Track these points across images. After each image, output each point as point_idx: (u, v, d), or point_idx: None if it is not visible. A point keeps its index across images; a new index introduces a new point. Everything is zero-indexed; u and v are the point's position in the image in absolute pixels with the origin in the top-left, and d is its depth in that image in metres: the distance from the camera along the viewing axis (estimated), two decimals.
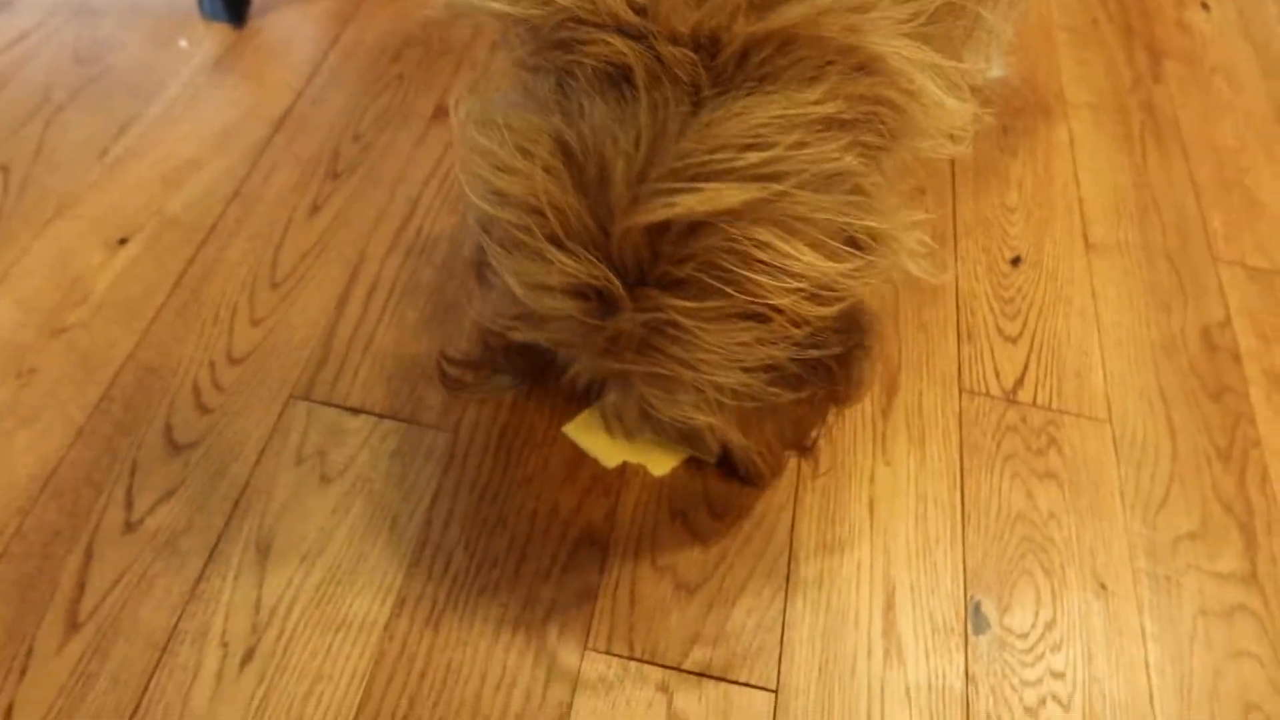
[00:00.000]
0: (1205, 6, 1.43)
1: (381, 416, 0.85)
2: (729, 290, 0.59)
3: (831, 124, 0.59)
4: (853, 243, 0.61)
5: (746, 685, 0.72)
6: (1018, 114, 1.20)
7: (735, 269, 0.58)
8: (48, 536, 0.76)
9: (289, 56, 1.17)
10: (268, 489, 0.79)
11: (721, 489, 0.82)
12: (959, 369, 0.93)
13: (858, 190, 0.62)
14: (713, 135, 0.57)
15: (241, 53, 1.17)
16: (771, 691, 0.72)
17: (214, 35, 1.19)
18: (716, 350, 0.62)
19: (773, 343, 0.63)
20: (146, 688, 0.69)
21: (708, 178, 0.57)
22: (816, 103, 0.58)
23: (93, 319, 0.89)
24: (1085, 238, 1.07)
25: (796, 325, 0.62)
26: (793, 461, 0.84)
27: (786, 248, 0.58)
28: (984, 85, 1.06)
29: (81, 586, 0.73)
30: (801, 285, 0.59)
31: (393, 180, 1.04)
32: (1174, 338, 0.98)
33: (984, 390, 0.92)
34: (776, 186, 0.57)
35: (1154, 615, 0.79)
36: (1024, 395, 0.92)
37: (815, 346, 0.65)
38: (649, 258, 0.60)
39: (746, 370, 0.64)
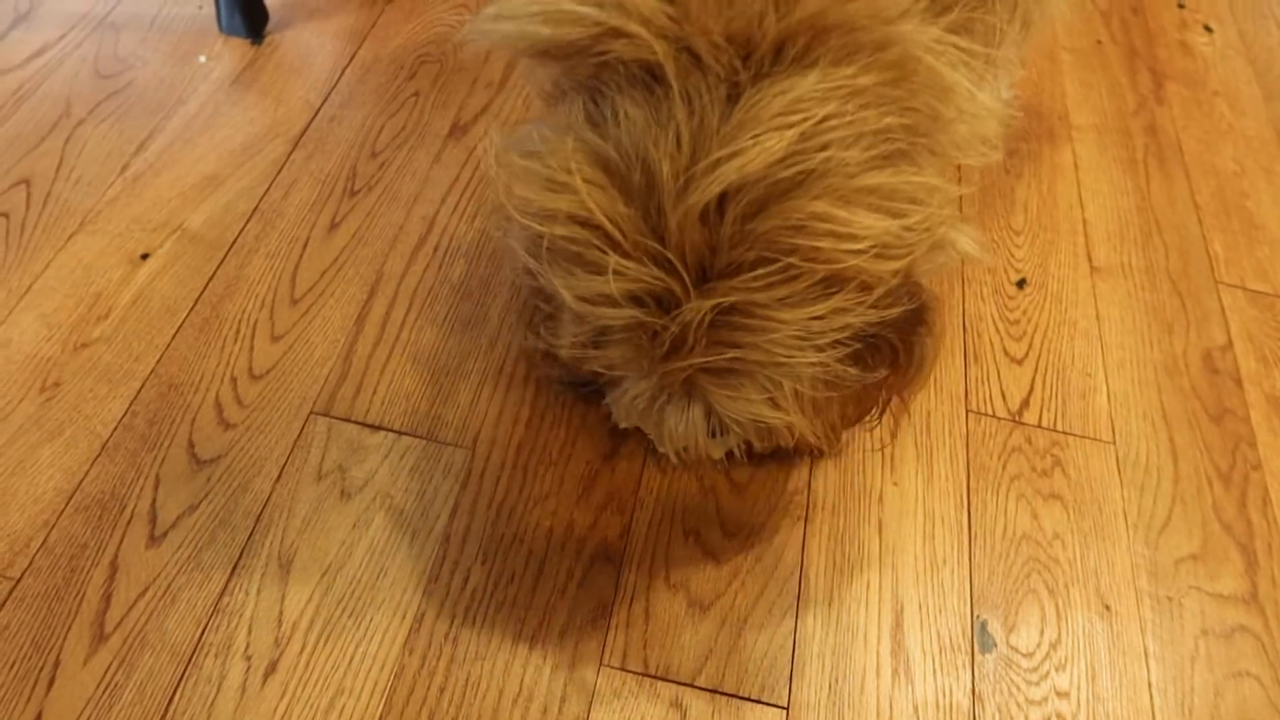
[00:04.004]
0: (1208, 29, 1.45)
1: (400, 433, 0.86)
2: (795, 261, 0.58)
3: (867, 94, 0.59)
4: (908, 199, 0.61)
5: (758, 702, 0.74)
6: (1023, 137, 1.22)
7: (798, 240, 0.58)
8: (74, 550, 0.77)
9: (306, 73, 1.19)
10: (289, 504, 0.81)
11: (734, 508, 0.84)
12: (966, 390, 0.95)
13: (901, 153, 0.62)
14: (752, 117, 0.57)
15: (260, 69, 1.18)
16: (782, 708, 0.74)
17: (232, 51, 1.20)
18: (792, 328, 0.61)
19: (848, 310, 0.61)
20: (172, 699, 0.71)
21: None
22: (852, 76, 0.58)
23: (115, 334, 0.91)
24: (1090, 260, 1.09)
25: (868, 288, 0.61)
26: (804, 484, 0.86)
27: (844, 214, 0.58)
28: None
29: (108, 599, 0.75)
30: (863, 247, 0.59)
31: (409, 198, 1.05)
32: (1176, 360, 1.00)
33: (990, 411, 0.93)
34: (821, 155, 0.57)
35: (1156, 635, 0.80)
36: (1029, 416, 0.93)
37: (887, 309, 0.63)
38: (708, 251, 0.59)
39: (821, 348, 0.63)
